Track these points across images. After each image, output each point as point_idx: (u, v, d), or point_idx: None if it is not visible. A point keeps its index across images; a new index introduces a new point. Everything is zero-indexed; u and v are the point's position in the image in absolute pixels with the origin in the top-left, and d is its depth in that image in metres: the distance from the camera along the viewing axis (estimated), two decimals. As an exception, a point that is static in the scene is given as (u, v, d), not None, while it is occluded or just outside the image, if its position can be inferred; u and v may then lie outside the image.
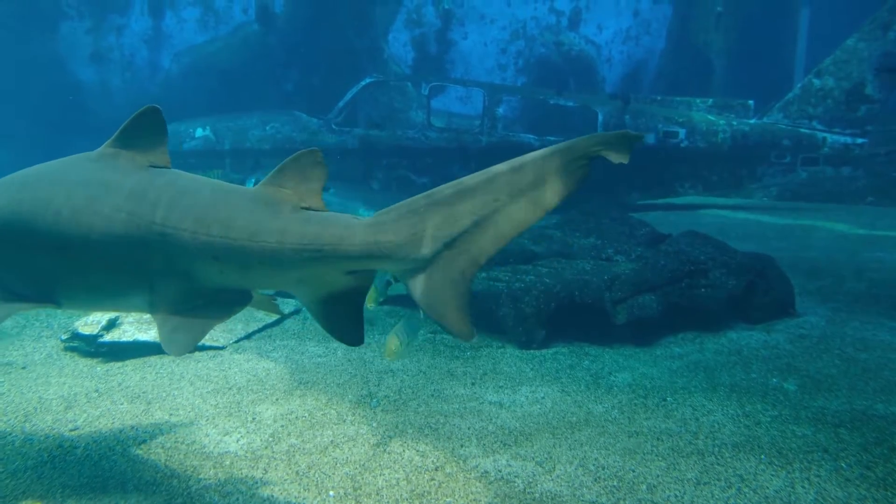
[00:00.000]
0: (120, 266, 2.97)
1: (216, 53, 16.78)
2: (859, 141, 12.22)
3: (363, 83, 12.31)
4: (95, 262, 2.97)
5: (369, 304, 5.61)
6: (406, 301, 6.85)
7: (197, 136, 12.30)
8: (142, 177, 3.00)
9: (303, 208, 2.88)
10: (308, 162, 2.95)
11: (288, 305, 6.54)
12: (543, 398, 4.55)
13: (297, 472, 3.56)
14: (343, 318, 2.95)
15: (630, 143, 2.67)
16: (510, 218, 2.75)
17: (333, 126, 12.30)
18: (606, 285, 5.77)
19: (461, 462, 3.67)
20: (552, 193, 2.74)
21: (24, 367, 5.09)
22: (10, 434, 3.96)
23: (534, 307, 5.62)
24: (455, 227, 2.74)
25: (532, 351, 5.49)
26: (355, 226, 2.78)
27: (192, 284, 2.93)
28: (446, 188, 2.77)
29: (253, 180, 11.50)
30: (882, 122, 12.40)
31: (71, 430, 4.01)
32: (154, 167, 3.08)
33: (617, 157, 2.69)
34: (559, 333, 5.69)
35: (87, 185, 3.00)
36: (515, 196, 2.73)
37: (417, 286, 2.78)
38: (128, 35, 16.77)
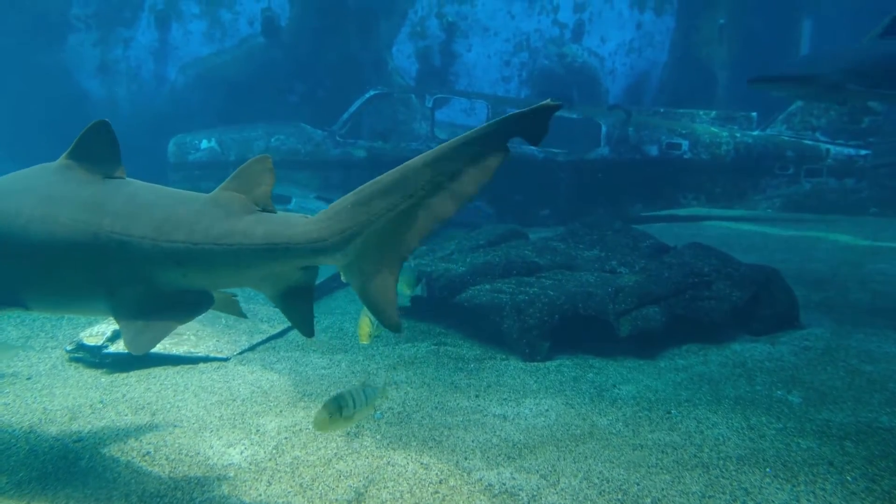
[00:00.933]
0: (80, 273, 3.13)
1: (222, 65, 16.89)
2: (863, 152, 12.23)
3: (367, 95, 12.38)
4: (56, 269, 3.14)
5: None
6: (410, 313, 6.86)
7: (202, 147, 12.36)
8: (97, 188, 3.20)
9: (257, 210, 3.09)
10: (259, 168, 3.16)
11: (292, 317, 6.56)
12: (547, 411, 4.55)
13: (300, 485, 3.55)
14: (300, 311, 3.14)
15: (546, 116, 2.68)
16: (429, 211, 2.85)
17: (338, 138, 12.36)
18: (610, 297, 5.78)
19: (465, 475, 3.67)
20: (469, 183, 2.83)
21: (28, 378, 5.10)
22: (14, 445, 3.97)
23: (537, 319, 5.62)
24: (376, 223, 2.87)
25: (536, 363, 5.48)
26: (301, 224, 2.97)
27: (154, 289, 3.10)
28: (368, 186, 2.91)
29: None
30: (885, 133, 12.42)
31: (75, 442, 4.02)
32: (110, 178, 3.28)
33: (535, 134, 2.72)
34: (563, 345, 5.68)
35: (44, 195, 3.18)
36: (432, 189, 2.83)
37: (352, 279, 3.01)
38: (135, 47, 16.89)
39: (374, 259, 2.91)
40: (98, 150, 3.27)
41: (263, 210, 3.10)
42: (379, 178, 2.90)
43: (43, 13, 15.91)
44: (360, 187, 2.92)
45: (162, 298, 3.10)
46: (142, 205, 3.12)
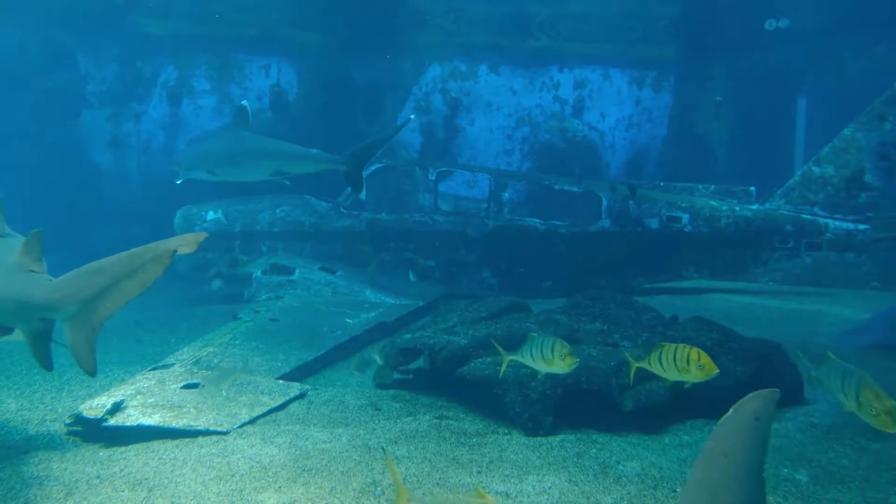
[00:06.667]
0: None
1: (229, 139, 17.28)
2: (861, 227, 12.34)
3: (372, 168, 12.60)
4: None
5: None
6: (412, 385, 6.82)
7: (208, 219, 12.52)
8: None
9: (31, 271, 4.26)
10: (35, 239, 4.38)
11: (293, 389, 6.51)
12: (551, 488, 4.47)
13: (298, 565, 3.47)
14: (41, 351, 4.34)
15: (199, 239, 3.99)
16: (123, 291, 4.05)
17: (342, 209, 12.53)
18: (613, 371, 5.75)
19: (466, 555, 3.58)
20: (151, 274, 4.05)
21: (26, 452, 5.05)
22: (8, 522, 3.91)
23: (540, 393, 5.59)
24: (90, 292, 4.05)
25: (539, 438, 5.42)
26: (44, 286, 4.14)
27: None
28: (92, 265, 4.09)
29: (261, 263, 11.62)
30: (882, 208, 12.54)
31: (70, 518, 3.95)
32: None
33: (188, 249, 3.97)
34: (566, 420, 5.62)
35: None
36: (128, 275, 4.04)
37: (67, 332, 4.11)
38: (146, 121, 17.38)
39: (85, 318, 4.03)
40: None
41: (33, 271, 4.25)
42: (102, 259, 4.06)
43: (59, 92, 16.45)
44: (89, 263, 4.06)
45: None
46: None
